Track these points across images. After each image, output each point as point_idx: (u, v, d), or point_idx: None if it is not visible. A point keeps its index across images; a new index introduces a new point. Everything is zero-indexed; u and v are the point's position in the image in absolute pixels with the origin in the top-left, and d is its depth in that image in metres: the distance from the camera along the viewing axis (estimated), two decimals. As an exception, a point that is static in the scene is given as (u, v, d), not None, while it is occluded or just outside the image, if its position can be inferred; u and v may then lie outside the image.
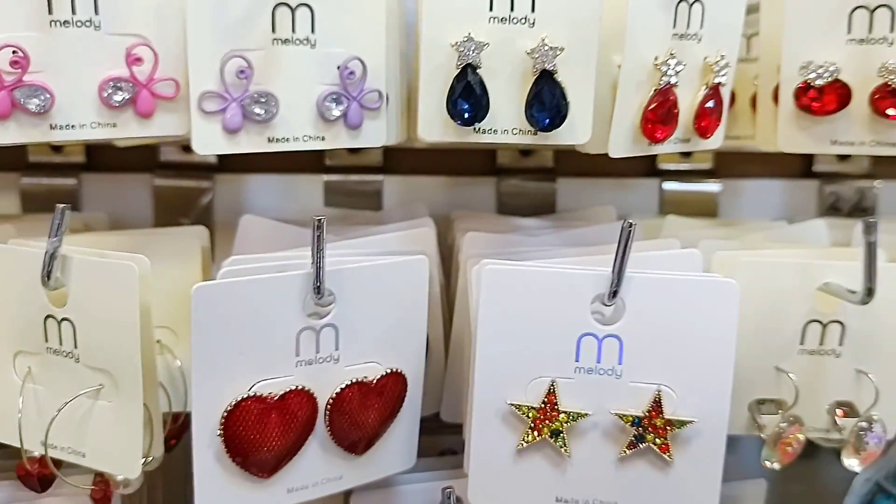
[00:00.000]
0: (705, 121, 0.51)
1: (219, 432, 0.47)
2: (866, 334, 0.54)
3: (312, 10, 0.50)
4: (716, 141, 0.53)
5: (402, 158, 0.79)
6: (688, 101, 0.51)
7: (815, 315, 0.54)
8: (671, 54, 0.48)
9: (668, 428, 0.49)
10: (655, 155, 0.80)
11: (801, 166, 0.81)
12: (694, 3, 0.49)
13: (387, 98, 0.54)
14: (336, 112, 0.52)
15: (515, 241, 0.61)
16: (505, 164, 0.79)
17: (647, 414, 0.49)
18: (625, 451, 0.50)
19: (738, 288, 0.49)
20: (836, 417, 0.56)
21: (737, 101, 0.67)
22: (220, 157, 0.78)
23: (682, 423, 0.49)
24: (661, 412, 0.49)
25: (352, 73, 0.52)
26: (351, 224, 0.69)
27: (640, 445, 0.50)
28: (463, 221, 0.72)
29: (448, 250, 0.70)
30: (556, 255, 0.58)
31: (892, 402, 0.56)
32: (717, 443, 0.50)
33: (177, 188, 0.77)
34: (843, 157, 0.80)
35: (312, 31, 0.50)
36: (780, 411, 0.56)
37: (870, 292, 0.50)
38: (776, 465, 0.55)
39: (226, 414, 0.47)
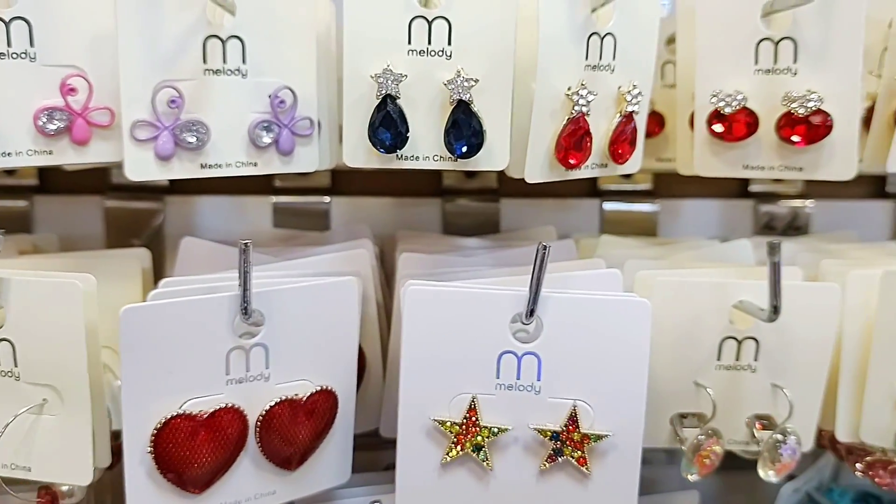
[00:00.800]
0: (620, 147, 0.53)
1: (149, 450, 0.49)
2: (780, 350, 0.57)
3: (243, 41, 0.52)
4: (632, 166, 0.55)
5: (350, 180, 0.81)
6: (603, 129, 0.53)
7: (731, 332, 0.57)
8: (582, 84, 0.50)
9: (585, 442, 0.51)
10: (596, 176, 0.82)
11: (738, 187, 0.84)
12: (605, 35, 0.52)
13: (319, 125, 0.56)
14: (267, 139, 0.53)
15: (450, 262, 0.63)
16: (451, 186, 0.82)
17: (564, 428, 0.51)
18: (545, 465, 0.52)
19: (651, 307, 0.51)
20: (754, 430, 0.58)
21: (667, 125, 0.70)
22: (171, 179, 0.80)
23: (599, 437, 0.51)
24: (578, 426, 0.51)
25: (282, 101, 0.54)
26: (297, 244, 0.71)
27: (559, 459, 0.51)
28: (406, 241, 0.74)
29: (392, 269, 0.72)
30: (487, 274, 0.60)
31: (806, 415, 0.58)
32: (633, 455, 0.52)
33: (128, 210, 0.79)
34: (777, 178, 0.83)
35: (244, 61, 0.52)
36: (701, 425, 0.58)
37: (775, 310, 0.52)
38: (695, 477, 0.57)
39: (155, 432, 0.49)
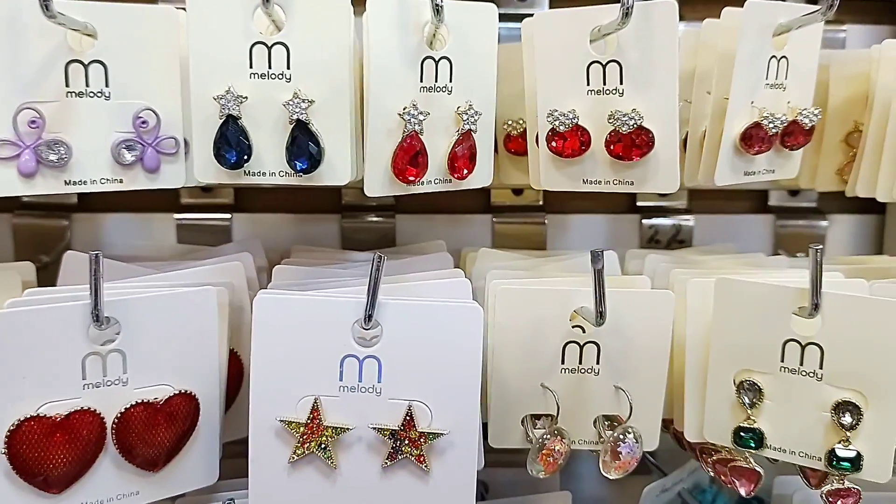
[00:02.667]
0: (458, 164, 0.56)
1: (3, 451, 0.52)
2: (620, 353, 0.60)
3: (106, 65, 0.56)
4: (476, 181, 0.59)
5: (254, 197, 0.85)
6: (443, 146, 0.57)
7: (573, 336, 0.60)
8: (414, 105, 0.54)
9: (422, 440, 0.54)
10: (489, 193, 0.86)
11: (626, 202, 0.87)
12: (441, 59, 0.55)
13: (186, 143, 0.59)
14: (129, 158, 0.57)
15: (323, 273, 0.67)
16: (349, 202, 0.85)
17: (402, 427, 0.54)
18: (386, 462, 0.55)
19: (482, 312, 0.54)
20: (600, 430, 0.61)
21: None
22: (79, 197, 0.83)
23: (435, 435, 0.54)
24: (415, 425, 0.54)
25: (144, 122, 0.57)
26: (193, 258, 0.74)
27: (399, 457, 0.55)
28: (298, 255, 0.77)
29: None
30: (353, 283, 0.63)
31: (649, 416, 0.61)
32: (470, 453, 0.55)
33: (36, 227, 0.82)
34: (663, 194, 0.87)
35: (106, 84, 0.56)
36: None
37: (601, 315, 0.56)
38: (541, 475, 0.60)
39: (9, 434, 0.52)
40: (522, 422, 0.62)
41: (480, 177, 0.59)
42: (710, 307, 0.61)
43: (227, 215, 0.84)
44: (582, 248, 0.84)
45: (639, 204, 0.87)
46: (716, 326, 0.60)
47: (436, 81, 0.55)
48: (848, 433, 0.57)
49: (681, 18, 0.80)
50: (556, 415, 0.60)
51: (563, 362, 0.60)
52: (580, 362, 0.60)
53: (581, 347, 0.60)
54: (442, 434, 0.54)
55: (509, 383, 0.61)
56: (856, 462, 0.57)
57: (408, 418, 0.54)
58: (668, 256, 0.73)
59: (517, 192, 0.86)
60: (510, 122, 0.71)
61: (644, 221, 0.86)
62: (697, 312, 0.62)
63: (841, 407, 0.57)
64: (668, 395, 0.66)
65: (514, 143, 0.72)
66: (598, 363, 0.60)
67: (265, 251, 0.80)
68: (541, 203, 0.86)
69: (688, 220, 0.86)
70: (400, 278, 0.62)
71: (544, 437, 0.59)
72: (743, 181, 0.61)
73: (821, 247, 0.55)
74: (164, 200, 0.83)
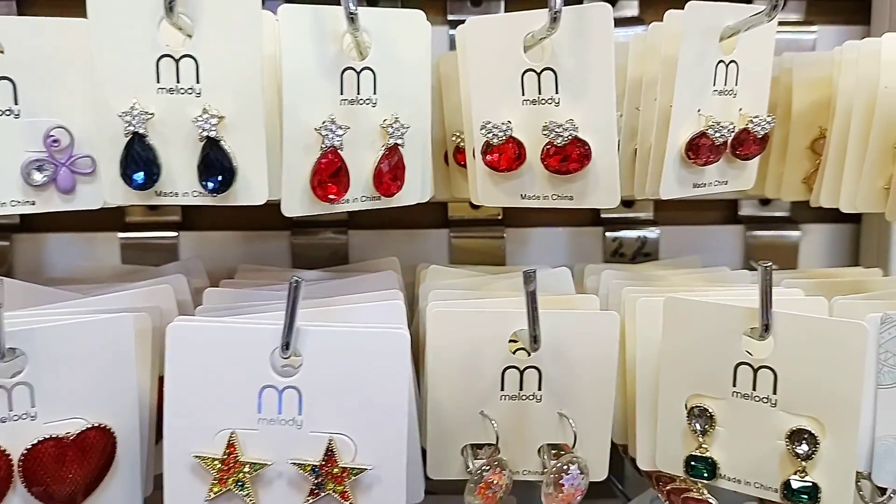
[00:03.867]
0: (384, 180, 0.53)
1: None
2: (562, 379, 0.57)
3: (14, 82, 0.53)
4: (407, 198, 0.56)
5: (202, 214, 0.82)
6: (369, 162, 0.53)
7: (513, 361, 0.57)
8: (332, 119, 0.50)
9: (345, 476, 0.51)
10: (446, 207, 0.83)
11: (589, 214, 0.84)
12: (363, 70, 0.52)
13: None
14: (40, 179, 0.54)
15: (256, 295, 0.63)
16: (300, 218, 0.82)
17: (323, 462, 0.51)
18: (308, 499, 0.51)
19: (408, 338, 0.51)
20: (545, 460, 0.58)
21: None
22: (22, 217, 0.81)
23: (359, 470, 0.51)
24: (336, 460, 0.51)
25: (56, 140, 0.54)
26: (135, 279, 0.71)
27: (322, 493, 0.51)
28: (244, 275, 0.74)
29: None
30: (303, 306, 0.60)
31: (596, 444, 0.58)
32: (397, 488, 0.52)
33: (-24, 248, 0.79)
34: (628, 205, 0.84)
35: (16, 102, 0.53)
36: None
37: (535, 339, 0.52)
38: (481, 509, 0.56)
39: None
40: (462, 451, 0.58)
41: (412, 193, 0.56)
42: (661, 328, 0.57)
43: (174, 234, 0.81)
44: (543, 262, 0.81)
45: (603, 216, 0.83)
46: (665, 349, 0.57)
47: (358, 94, 0.52)
48: (804, 463, 0.53)
49: (641, 22, 0.77)
50: (495, 444, 0.57)
51: (502, 388, 0.57)
52: (521, 388, 0.57)
53: (521, 373, 0.57)
54: (366, 469, 0.51)
55: (447, 411, 0.57)
56: (813, 494, 0.53)
57: (329, 453, 0.51)
58: (626, 272, 0.69)
59: (475, 205, 0.82)
60: (458, 134, 0.68)
61: (608, 234, 0.83)
62: (647, 333, 0.59)
63: (796, 435, 0.53)
64: (623, 420, 0.63)
65: (463, 156, 0.69)
66: (539, 389, 0.57)
67: (213, 270, 0.77)
68: (500, 217, 0.83)
69: (654, 233, 0.83)
70: (332, 301, 0.59)
71: (482, 468, 0.56)
72: (692, 193, 0.58)
73: (770, 263, 0.52)
74: (109, 219, 0.80)
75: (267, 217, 0.82)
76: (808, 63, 0.68)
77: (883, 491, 0.62)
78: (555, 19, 0.49)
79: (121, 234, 0.80)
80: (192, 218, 0.82)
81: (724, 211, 0.85)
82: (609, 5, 0.51)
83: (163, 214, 0.81)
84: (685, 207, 0.84)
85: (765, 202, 0.84)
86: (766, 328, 0.53)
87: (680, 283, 0.68)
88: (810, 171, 0.70)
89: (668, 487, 0.60)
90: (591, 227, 0.83)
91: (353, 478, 0.51)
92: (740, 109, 0.58)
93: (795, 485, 0.53)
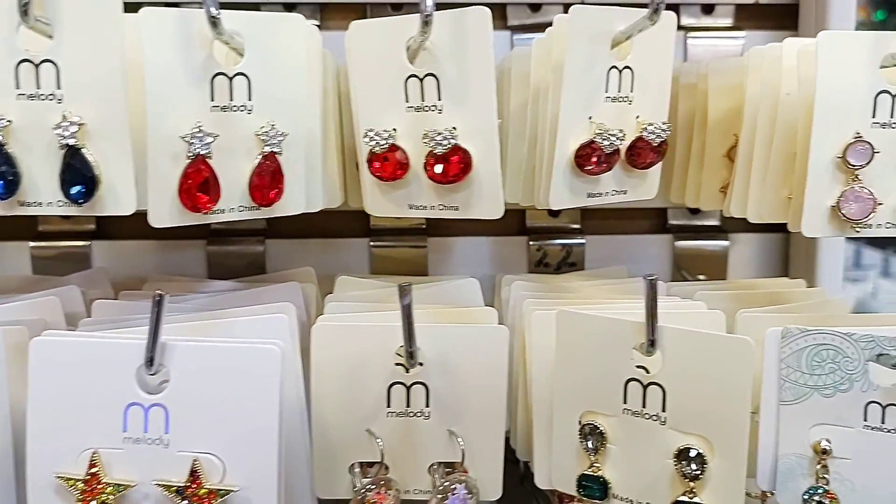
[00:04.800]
0: (259, 189, 0.51)
1: None
2: (451, 396, 0.55)
3: None
4: (289, 207, 0.54)
5: (116, 223, 0.80)
6: (246, 170, 0.52)
7: (399, 377, 0.55)
8: (198, 127, 0.49)
9: (211, 497, 0.49)
10: (368, 215, 0.81)
11: (515, 223, 0.82)
12: (236, 76, 0.50)
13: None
14: None
15: (144, 308, 0.61)
16: (217, 227, 0.80)
17: (188, 483, 0.49)
18: (175, 522, 0.49)
19: (278, 354, 0.49)
20: (435, 478, 0.56)
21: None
22: None
23: (226, 492, 0.49)
24: (202, 481, 0.49)
25: None
26: (40, 288, 0.69)
27: (189, 515, 0.49)
28: (152, 285, 0.72)
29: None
30: (178, 320, 0.58)
31: (488, 463, 0.56)
32: (269, 510, 0.50)
33: None
34: (554, 214, 0.82)
35: None
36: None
37: (411, 355, 0.50)
38: (367, 529, 0.54)
39: None
40: (350, 469, 0.56)
41: (294, 202, 0.54)
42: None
43: (86, 243, 0.79)
44: (466, 272, 0.79)
45: (528, 225, 0.82)
46: (558, 364, 0.55)
47: (231, 100, 0.50)
48: (692, 483, 0.51)
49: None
50: (381, 462, 0.55)
51: (388, 405, 0.55)
52: (408, 405, 0.55)
53: (408, 389, 0.55)
54: (233, 490, 0.49)
55: (332, 428, 0.55)
56: (701, 515, 0.51)
57: (193, 473, 0.49)
58: (538, 283, 0.68)
59: (397, 214, 0.81)
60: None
61: (532, 243, 0.81)
62: (542, 348, 0.57)
63: (683, 454, 0.51)
64: (527, 437, 0.61)
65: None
66: (427, 406, 0.55)
67: (126, 280, 0.75)
68: (424, 226, 0.81)
69: (580, 242, 0.81)
70: (218, 314, 0.57)
71: (367, 487, 0.54)
72: (587, 203, 0.56)
73: (654, 276, 0.50)
74: (20, 228, 0.78)
75: (183, 227, 0.80)
76: (723, 69, 0.67)
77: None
78: (426, 23, 0.48)
79: (32, 244, 0.78)
80: (106, 227, 0.80)
81: (653, 220, 0.83)
82: (488, 10, 0.49)
83: (77, 223, 0.80)
84: (613, 216, 0.82)
85: (694, 211, 0.83)
86: (652, 343, 0.51)
87: (591, 294, 0.66)
88: (727, 179, 0.68)
89: (566, 506, 0.59)
90: (515, 237, 0.82)
91: (221, 499, 0.49)
92: (637, 117, 0.56)
93: (684, 506, 0.51)
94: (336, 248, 0.81)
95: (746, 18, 0.80)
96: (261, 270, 0.80)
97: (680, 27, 0.79)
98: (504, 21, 0.79)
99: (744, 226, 0.83)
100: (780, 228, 0.82)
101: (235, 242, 0.80)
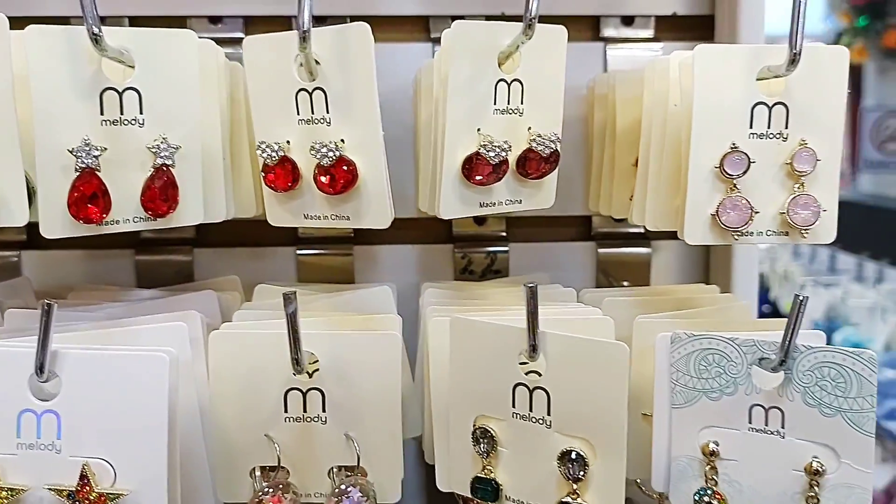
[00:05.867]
0: (153, 200, 0.53)
1: None
2: (347, 400, 0.56)
3: None
4: (186, 218, 0.55)
5: (47, 233, 0.81)
6: (139, 183, 0.53)
7: (295, 383, 0.56)
8: (86, 141, 0.50)
9: (102, 501, 0.50)
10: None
11: (442, 231, 0.84)
12: (126, 90, 0.52)
13: None
14: None
15: (62, 316, 0.62)
16: (146, 237, 0.81)
17: (78, 488, 0.50)
18: (67, 527, 0.51)
19: (167, 362, 0.50)
20: (334, 482, 0.57)
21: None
22: None
23: (116, 496, 0.50)
24: (92, 485, 0.50)
25: None
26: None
27: (79, 520, 0.50)
28: (77, 294, 0.74)
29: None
30: (85, 328, 0.59)
31: (387, 466, 0.57)
32: (162, 513, 0.51)
33: None
34: (480, 222, 0.83)
35: None
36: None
37: (297, 362, 0.52)
38: (262, 533, 0.55)
39: None
40: (251, 474, 0.58)
41: (191, 213, 0.55)
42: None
43: (16, 253, 0.80)
44: (392, 280, 0.81)
45: (455, 233, 0.83)
46: (453, 369, 0.57)
47: (122, 114, 0.52)
48: (575, 485, 0.53)
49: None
50: (278, 466, 0.56)
51: (286, 410, 0.56)
52: (305, 410, 0.56)
53: (304, 394, 0.56)
54: (123, 494, 0.50)
55: (232, 433, 0.57)
56: (584, 516, 0.53)
57: (83, 478, 0.50)
58: (450, 291, 0.69)
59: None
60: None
61: (457, 251, 0.82)
62: (440, 354, 0.58)
63: (566, 456, 0.53)
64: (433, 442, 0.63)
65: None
66: (324, 411, 0.56)
67: (55, 290, 0.76)
68: (351, 234, 0.82)
69: (504, 249, 0.82)
70: (124, 323, 0.59)
71: (264, 490, 0.55)
72: (479, 213, 0.57)
73: (534, 284, 0.51)
74: (-48, 238, 0.80)
75: (111, 235, 0.81)
76: (628, 80, 0.68)
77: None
78: (303, 38, 0.49)
79: (-40, 254, 0.79)
80: (36, 237, 0.81)
81: (578, 227, 0.84)
82: (367, 25, 0.51)
83: (6, 234, 0.81)
84: (538, 224, 0.84)
85: (619, 219, 0.84)
86: (535, 349, 0.52)
87: (503, 301, 0.67)
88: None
89: (466, 509, 0.60)
90: (441, 245, 0.83)
91: (111, 503, 0.50)
92: (529, 128, 0.57)
93: (567, 507, 0.53)
94: (263, 256, 0.82)
95: (666, 30, 0.82)
96: (189, 279, 0.81)
97: (600, 38, 0.81)
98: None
99: (667, 233, 0.84)
100: (701, 235, 0.84)
101: (164, 252, 0.81)
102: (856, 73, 4.43)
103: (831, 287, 2.88)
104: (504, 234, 0.83)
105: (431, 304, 0.62)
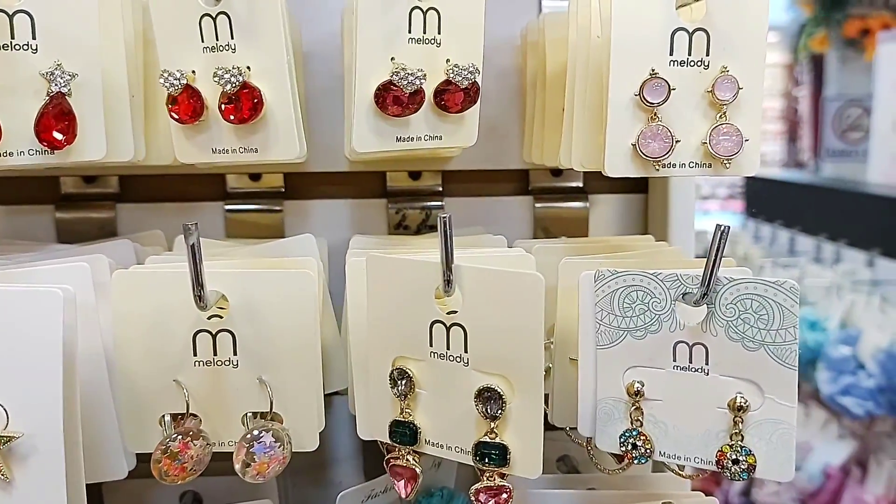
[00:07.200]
0: (47, 128, 0.50)
1: None
2: (259, 342, 0.54)
3: None
4: (82, 152, 0.52)
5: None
6: (33, 112, 0.50)
7: (203, 325, 0.54)
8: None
9: (-5, 445, 0.48)
10: (224, 179, 0.80)
11: (376, 185, 0.81)
12: (16, 13, 0.49)
13: None
14: None
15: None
16: (68, 192, 0.78)
17: (-34, 430, 0.47)
18: (-42, 471, 0.48)
19: (61, 299, 0.48)
20: (246, 430, 0.55)
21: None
22: None
23: (8, 439, 0.48)
24: (-18, 428, 0.47)
25: None
26: None
27: (-29, 464, 0.48)
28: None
29: None
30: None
31: (303, 412, 0.55)
32: (55, 456, 0.48)
33: None
34: (415, 177, 0.81)
35: None
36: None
37: (199, 298, 0.49)
38: (173, 481, 0.53)
39: None
40: (160, 422, 0.55)
41: (92, 147, 0.52)
42: (369, 289, 0.55)
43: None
44: (324, 235, 0.78)
45: (388, 188, 0.81)
46: (370, 310, 0.55)
47: (12, 38, 0.49)
48: (493, 423, 0.51)
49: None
50: (187, 413, 0.54)
51: (195, 354, 0.54)
52: (215, 353, 0.54)
53: (214, 337, 0.54)
54: (14, 437, 0.48)
55: (139, 379, 0.54)
56: (502, 455, 0.51)
57: (-29, 421, 0.47)
58: (376, 240, 0.67)
59: (254, 177, 0.80)
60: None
61: (391, 206, 0.80)
62: (358, 298, 0.56)
63: (483, 394, 0.51)
64: (356, 389, 0.61)
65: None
66: (235, 353, 0.54)
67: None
68: (282, 189, 0.80)
69: (438, 204, 0.80)
70: (29, 264, 0.56)
71: (171, 437, 0.53)
72: (396, 147, 0.55)
73: (448, 215, 0.49)
74: None
75: (32, 191, 0.78)
76: (557, 22, 0.66)
77: (620, 458, 0.61)
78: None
79: None
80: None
81: (515, 182, 0.83)
82: (270, -57, 0.49)
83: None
84: (474, 179, 0.82)
85: (556, 173, 0.83)
86: (449, 283, 0.50)
87: (426, 247, 0.66)
88: (567, 134, 0.68)
89: (388, 456, 0.58)
90: (375, 199, 0.81)
91: (5, 446, 0.48)
92: (447, 60, 0.55)
93: (484, 446, 0.51)
94: (191, 212, 0.79)
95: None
96: (112, 235, 0.78)
97: (532, -18, 0.79)
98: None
99: (605, 187, 0.83)
100: (640, 189, 0.83)
101: (86, 208, 0.78)
102: (818, 63, 4.47)
103: (790, 268, 2.91)
104: (440, 188, 0.82)
105: (355, 250, 0.60)
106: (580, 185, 0.83)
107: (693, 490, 0.66)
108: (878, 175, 3.00)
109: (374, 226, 0.81)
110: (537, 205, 0.82)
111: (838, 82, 4.46)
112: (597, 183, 0.83)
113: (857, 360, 2.00)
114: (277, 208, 0.79)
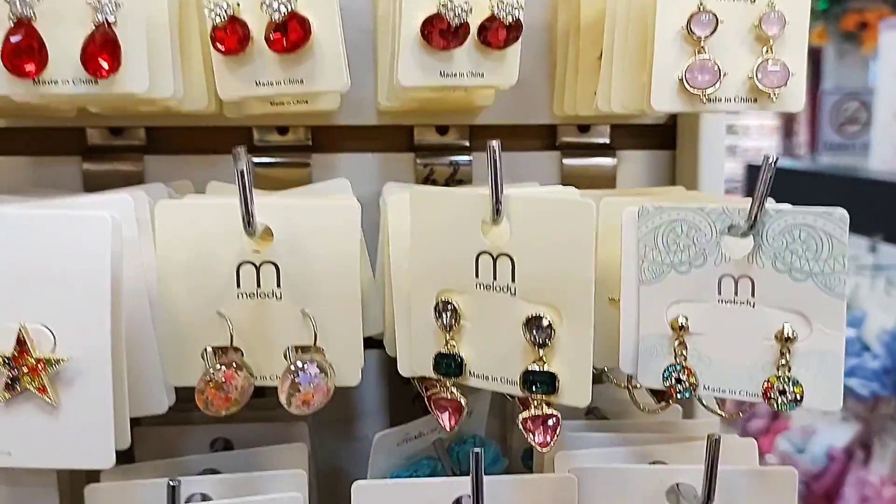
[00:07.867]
0: (93, 55, 0.50)
1: None
2: (302, 274, 0.54)
3: None
4: (129, 83, 0.52)
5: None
6: (79, 41, 0.50)
7: (248, 257, 0.53)
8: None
9: (41, 368, 0.47)
10: (251, 131, 0.80)
11: (404, 139, 0.81)
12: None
13: None
14: None
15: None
16: (96, 143, 0.78)
17: (15, 354, 0.47)
18: (5, 395, 0.48)
19: (109, 223, 0.48)
20: (290, 361, 0.55)
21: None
22: None
23: (56, 361, 0.47)
24: (30, 351, 0.47)
25: None
26: None
27: (18, 387, 0.47)
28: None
29: None
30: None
31: (345, 344, 0.55)
32: (103, 383, 0.48)
33: None
34: (443, 131, 0.81)
35: None
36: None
37: (249, 223, 0.49)
38: (219, 412, 0.53)
39: None
40: (202, 355, 0.55)
41: (135, 80, 0.52)
42: (412, 225, 0.55)
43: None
44: (352, 190, 0.78)
45: (416, 142, 0.81)
46: (413, 245, 0.55)
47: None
48: (541, 351, 0.51)
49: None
50: (231, 345, 0.54)
51: (238, 285, 0.54)
52: (259, 285, 0.54)
53: (258, 268, 0.54)
54: (63, 360, 0.47)
55: (181, 312, 0.54)
56: (551, 383, 0.51)
57: (20, 343, 0.47)
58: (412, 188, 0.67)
59: (282, 130, 0.79)
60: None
61: (419, 160, 0.80)
62: (400, 234, 0.56)
63: (531, 323, 0.51)
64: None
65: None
66: (279, 286, 0.54)
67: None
68: (309, 142, 0.80)
69: (467, 159, 0.80)
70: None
71: (215, 368, 0.53)
72: (439, 82, 0.55)
73: (497, 141, 0.49)
74: None
75: (59, 142, 0.78)
76: (593, -30, 0.66)
77: (660, 397, 0.61)
78: None
79: None
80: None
81: (542, 138, 0.83)
82: None
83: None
84: (501, 134, 0.81)
85: (583, 129, 0.82)
86: (498, 212, 0.50)
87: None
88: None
89: (428, 393, 0.58)
90: (403, 153, 0.81)
91: (52, 369, 0.47)
92: (493, -6, 0.55)
93: (532, 375, 0.51)
94: (217, 164, 0.79)
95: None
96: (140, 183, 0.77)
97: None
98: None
99: (632, 143, 0.83)
100: (668, 145, 0.83)
101: (112, 159, 0.77)
102: (816, 57, 4.48)
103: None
104: (467, 143, 0.81)
105: (392, 192, 0.60)
106: (607, 141, 0.83)
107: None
108: (880, 164, 3.00)
109: (402, 180, 0.80)
110: (565, 160, 0.82)
111: (836, 76, 4.47)
112: (625, 139, 0.83)
113: (862, 341, 2.01)
114: (305, 161, 0.79)
